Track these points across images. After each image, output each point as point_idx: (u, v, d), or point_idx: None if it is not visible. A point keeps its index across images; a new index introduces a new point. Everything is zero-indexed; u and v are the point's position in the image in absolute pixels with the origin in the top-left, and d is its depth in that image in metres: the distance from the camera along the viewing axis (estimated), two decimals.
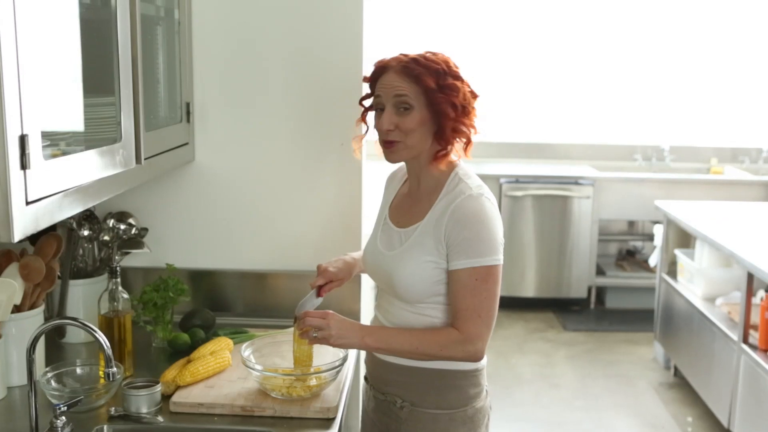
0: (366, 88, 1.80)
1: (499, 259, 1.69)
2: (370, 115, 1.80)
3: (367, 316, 2.44)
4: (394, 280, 1.75)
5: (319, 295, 1.84)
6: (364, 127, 1.85)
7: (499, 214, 1.73)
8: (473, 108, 1.73)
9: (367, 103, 1.81)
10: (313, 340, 1.72)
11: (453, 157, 1.76)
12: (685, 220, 4.24)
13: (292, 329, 1.82)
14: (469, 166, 1.80)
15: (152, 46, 2.00)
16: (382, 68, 1.73)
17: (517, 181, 5.50)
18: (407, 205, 1.82)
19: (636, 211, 5.59)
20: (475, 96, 1.74)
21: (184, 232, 2.40)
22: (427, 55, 1.72)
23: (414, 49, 1.76)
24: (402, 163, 1.86)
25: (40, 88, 1.31)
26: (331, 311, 1.73)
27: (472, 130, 1.74)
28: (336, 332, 1.69)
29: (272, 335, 2.01)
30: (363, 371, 1.98)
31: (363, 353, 2.00)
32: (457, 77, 1.71)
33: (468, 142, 1.75)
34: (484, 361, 1.81)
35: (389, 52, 1.76)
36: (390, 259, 1.77)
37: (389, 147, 1.72)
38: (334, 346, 1.74)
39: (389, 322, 1.81)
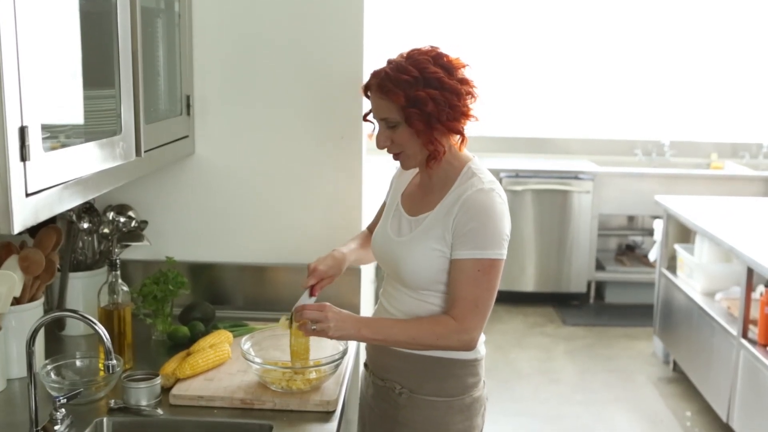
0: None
1: (503, 254, 1.71)
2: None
3: (366, 309, 2.45)
4: (400, 266, 1.77)
5: (312, 294, 1.84)
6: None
7: (507, 211, 1.74)
8: (463, 104, 1.70)
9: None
10: (311, 333, 1.72)
11: (466, 151, 1.78)
12: (685, 215, 4.24)
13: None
14: (482, 162, 1.81)
15: (152, 38, 1.99)
16: (367, 85, 1.74)
17: (517, 175, 5.50)
18: (419, 195, 1.84)
19: (636, 206, 5.59)
20: (467, 90, 1.70)
21: (183, 224, 2.40)
22: (402, 62, 1.68)
23: (406, 47, 1.73)
24: None
25: (40, 80, 1.31)
26: (328, 303, 1.74)
27: (470, 122, 1.72)
28: (334, 324, 1.70)
29: (272, 328, 2.01)
30: (363, 358, 1.99)
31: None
32: (435, 80, 1.66)
33: (463, 140, 1.75)
34: (482, 352, 1.82)
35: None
36: (398, 244, 1.79)
37: (396, 159, 1.78)
38: (331, 338, 1.74)
39: (393, 308, 1.83)
